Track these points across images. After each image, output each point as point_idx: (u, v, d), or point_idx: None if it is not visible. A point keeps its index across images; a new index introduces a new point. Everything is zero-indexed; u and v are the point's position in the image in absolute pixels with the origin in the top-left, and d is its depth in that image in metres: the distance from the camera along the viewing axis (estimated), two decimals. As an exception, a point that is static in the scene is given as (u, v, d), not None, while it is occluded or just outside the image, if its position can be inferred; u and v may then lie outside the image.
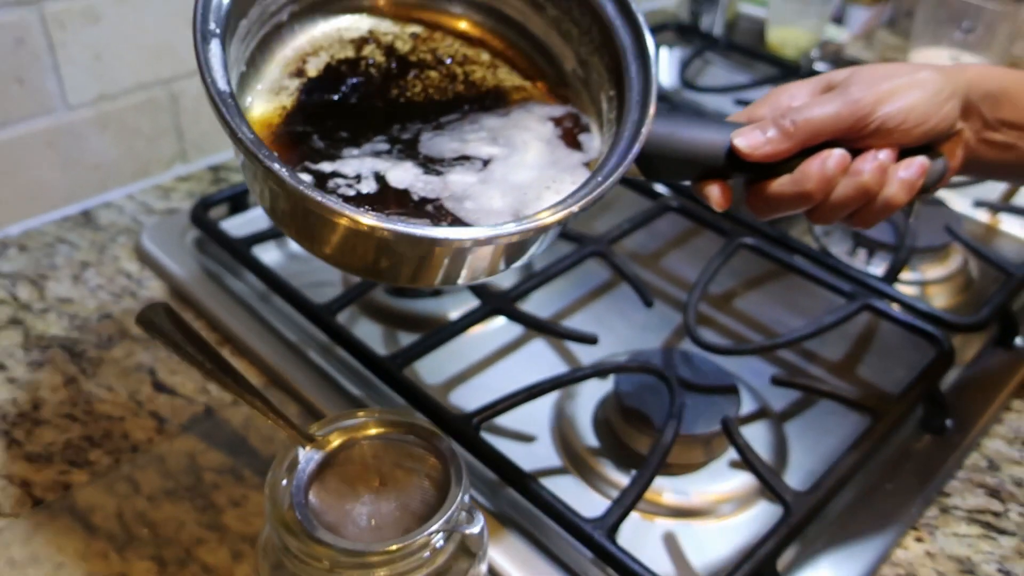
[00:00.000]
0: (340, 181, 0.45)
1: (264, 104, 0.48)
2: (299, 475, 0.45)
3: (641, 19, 0.49)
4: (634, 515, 0.59)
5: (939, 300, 0.81)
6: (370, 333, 0.73)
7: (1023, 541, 0.58)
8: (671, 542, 0.59)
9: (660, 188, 0.86)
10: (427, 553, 0.43)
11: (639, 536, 0.59)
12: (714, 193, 0.49)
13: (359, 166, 0.46)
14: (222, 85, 0.41)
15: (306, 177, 0.45)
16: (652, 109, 0.47)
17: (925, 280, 0.82)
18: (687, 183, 0.50)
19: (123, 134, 0.82)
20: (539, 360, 0.72)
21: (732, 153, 0.48)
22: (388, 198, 0.45)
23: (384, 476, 0.47)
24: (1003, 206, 0.88)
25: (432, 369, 0.69)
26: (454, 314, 0.74)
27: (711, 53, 1.15)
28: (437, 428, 0.48)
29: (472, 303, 0.72)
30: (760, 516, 0.61)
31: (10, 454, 0.59)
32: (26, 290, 0.72)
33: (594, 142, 0.51)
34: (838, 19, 1.22)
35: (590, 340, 0.67)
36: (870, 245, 0.82)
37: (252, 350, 0.67)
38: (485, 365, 0.71)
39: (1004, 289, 0.72)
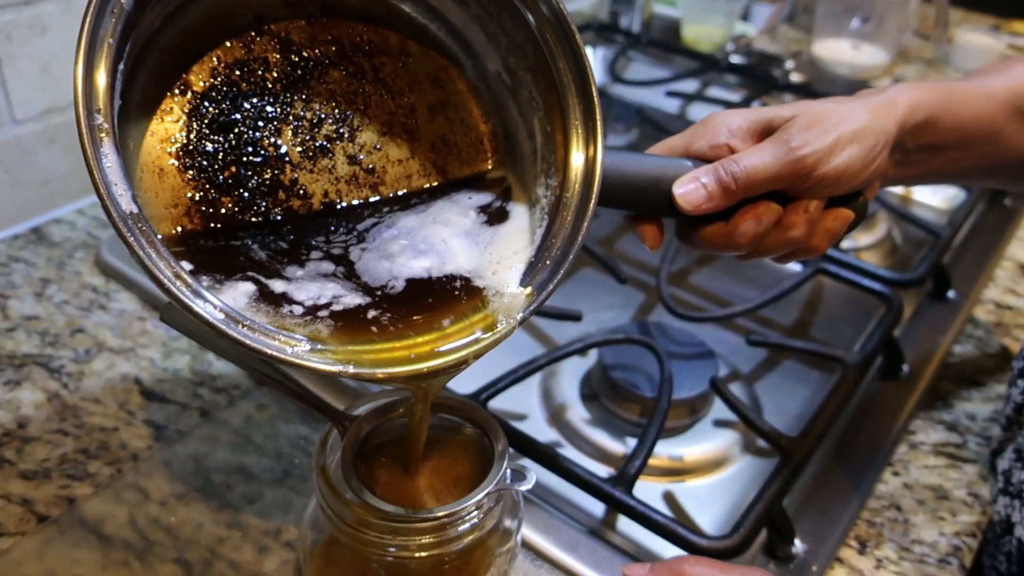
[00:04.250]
0: (296, 308, 0.40)
1: (156, 152, 0.41)
2: (344, 454, 0.46)
3: (584, 53, 0.44)
4: (636, 478, 0.62)
5: (871, 264, 0.87)
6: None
7: (983, 467, 0.64)
8: (671, 500, 0.63)
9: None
10: (477, 516, 0.45)
11: (643, 497, 0.62)
12: (648, 234, 0.49)
13: (310, 291, 0.41)
14: (126, 205, 0.34)
15: (248, 288, 0.40)
16: (598, 175, 0.44)
17: (858, 247, 0.89)
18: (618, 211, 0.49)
19: (71, 148, 0.80)
20: (515, 344, 0.74)
21: (671, 199, 0.47)
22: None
23: (425, 448, 0.48)
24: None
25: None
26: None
27: (633, 51, 1.20)
28: (465, 399, 0.49)
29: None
30: (747, 470, 0.65)
31: (3, 473, 0.57)
32: (-13, 311, 0.70)
33: (519, 209, 0.47)
34: (744, 16, 1.29)
35: (574, 317, 0.69)
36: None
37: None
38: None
39: (935, 248, 0.79)
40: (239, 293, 0.39)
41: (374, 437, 0.48)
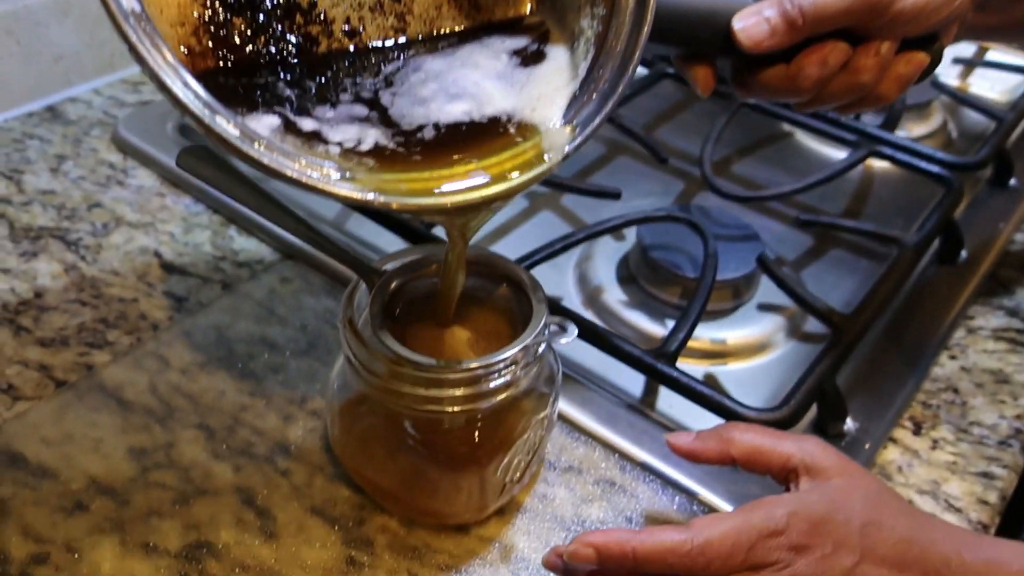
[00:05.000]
0: (332, 148, 0.37)
1: None
2: (373, 305, 0.43)
3: None
4: (677, 358, 0.59)
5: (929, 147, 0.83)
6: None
7: (1046, 353, 0.60)
8: (713, 381, 0.60)
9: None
10: (512, 372, 0.42)
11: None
12: (700, 77, 0.45)
13: (346, 132, 0.38)
14: (127, 2, 0.31)
15: (273, 121, 0.36)
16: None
17: (912, 138, 0.84)
18: (666, 53, 0.45)
19: (85, 22, 0.76)
20: (549, 228, 0.71)
21: (728, 35, 0.43)
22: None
23: (457, 305, 0.45)
24: (979, 61, 0.90)
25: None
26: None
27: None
28: (502, 255, 0.46)
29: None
30: (792, 355, 0.62)
31: (20, 340, 0.55)
32: (1, 185, 0.67)
33: (557, 50, 0.43)
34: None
35: (613, 195, 0.66)
36: (858, 106, 0.83)
37: (261, 227, 0.64)
38: (501, 233, 0.70)
39: (998, 132, 0.74)
40: (262, 126, 0.35)
41: (403, 294, 0.46)
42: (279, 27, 0.40)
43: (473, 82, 0.42)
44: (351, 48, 0.42)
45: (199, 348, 0.55)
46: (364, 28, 0.42)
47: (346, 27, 0.42)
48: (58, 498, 0.46)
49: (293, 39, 0.40)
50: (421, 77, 0.42)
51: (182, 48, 0.38)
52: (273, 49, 0.40)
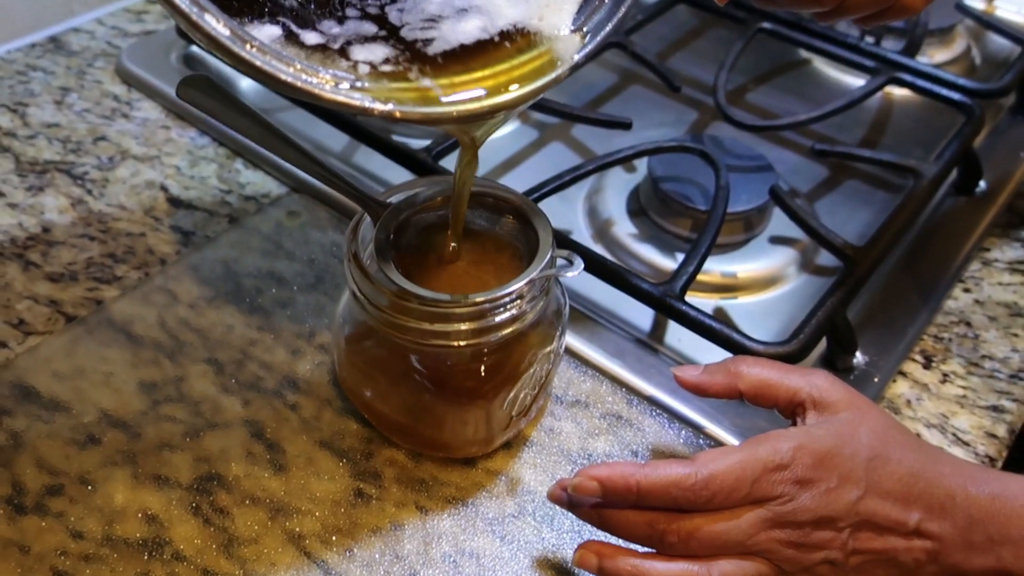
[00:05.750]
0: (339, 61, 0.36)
1: None
2: (378, 239, 0.43)
3: None
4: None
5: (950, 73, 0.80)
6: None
7: (1062, 286, 0.59)
8: (723, 316, 0.59)
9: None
10: (519, 306, 0.41)
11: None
12: None
13: (350, 47, 0.37)
14: None
15: (274, 31, 0.35)
16: None
17: (934, 63, 0.81)
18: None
19: (85, -51, 0.75)
20: (559, 159, 0.70)
21: None
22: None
23: (463, 239, 0.45)
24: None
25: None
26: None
27: None
28: (507, 187, 0.46)
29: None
30: (804, 288, 0.61)
31: (28, 275, 0.55)
32: (5, 118, 0.67)
33: None
34: None
35: (624, 125, 0.64)
36: (878, 31, 0.81)
37: (267, 160, 0.63)
38: (510, 165, 0.69)
39: (1022, 58, 0.72)
40: (262, 34, 0.34)
41: (409, 227, 0.45)
42: None
43: None
44: None
45: (207, 282, 0.55)
46: None
47: None
48: (71, 431, 0.47)
49: None
50: None
51: None
52: None
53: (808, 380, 0.42)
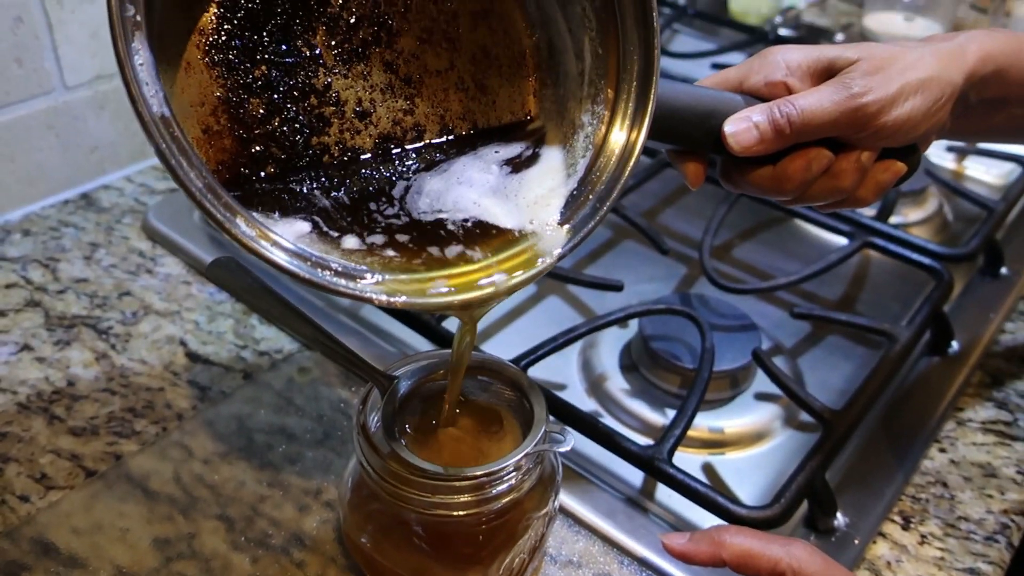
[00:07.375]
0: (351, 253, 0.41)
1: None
2: (385, 413, 0.46)
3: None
4: (676, 448, 0.62)
5: (921, 238, 0.85)
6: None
7: (1033, 446, 0.62)
8: (711, 472, 0.62)
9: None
10: (515, 477, 0.44)
11: (682, 468, 0.61)
12: (691, 171, 0.48)
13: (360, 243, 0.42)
14: (157, 107, 0.34)
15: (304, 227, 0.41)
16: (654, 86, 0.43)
17: (908, 223, 0.86)
18: (660, 148, 0.48)
19: (120, 114, 0.81)
20: (555, 314, 0.74)
21: (720, 137, 0.45)
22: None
23: (464, 409, 0.48)
24: (973, 149, 0.93)
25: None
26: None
27: (679, 23, 1.19)
28: (505, 361, 0.49)
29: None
30: (788, 444, 0.65)
31: (53, 429, 0.59)
32: (38, 272, 0.71)
33: (551, 151, 0.47)
34: (793, -13, 1.26)
35: (615, 287, 0.69)
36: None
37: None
38: (505, 323, 0.73)
39: (988, 223, 0.77)
40: (291, 231, 0.39)
41: (414, 397, 0.49)
42: (293, 108, 0.43)
43: (473, 202, 0.45)
44: (356, 153, 0.45)
45: (221, 438, 0.59)
46: (374, 109, 0.45)
47: (358, 108, 0.45)
48: (87, 588, 0.49)
49: (307, 119, 0.43)
50: (427, 202, 0.45)
51: (200, 127, 0.41)
52: (287, 129, 0.43)
53: (788, 551, 0.44)
